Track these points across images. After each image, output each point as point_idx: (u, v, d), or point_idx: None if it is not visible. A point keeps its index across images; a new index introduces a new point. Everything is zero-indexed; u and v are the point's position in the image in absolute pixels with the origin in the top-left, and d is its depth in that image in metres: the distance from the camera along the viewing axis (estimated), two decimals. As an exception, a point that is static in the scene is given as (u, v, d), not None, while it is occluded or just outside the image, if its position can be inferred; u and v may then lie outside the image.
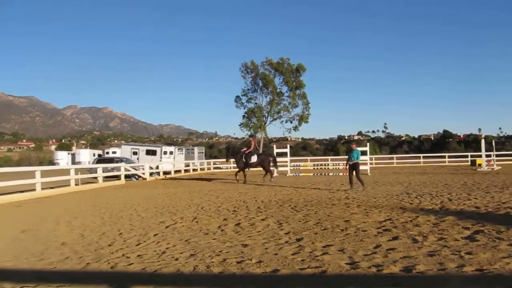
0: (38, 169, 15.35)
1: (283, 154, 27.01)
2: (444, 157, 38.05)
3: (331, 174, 23.88)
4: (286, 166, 25.40)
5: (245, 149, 19.40)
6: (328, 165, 32.54)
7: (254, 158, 18.84)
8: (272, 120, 71.40)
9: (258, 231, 6.51)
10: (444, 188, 12.83)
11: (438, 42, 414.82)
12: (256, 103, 71.67)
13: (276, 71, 68.93)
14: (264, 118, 71.09)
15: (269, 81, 68.55)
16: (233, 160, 20.36)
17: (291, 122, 70.59)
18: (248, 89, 71.90)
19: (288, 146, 26.37)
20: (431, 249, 4.88)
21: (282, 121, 71.18)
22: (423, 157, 38.77)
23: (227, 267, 4.50)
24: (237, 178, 19.05)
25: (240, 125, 72.33)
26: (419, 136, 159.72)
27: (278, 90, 69.74)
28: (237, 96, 73.05)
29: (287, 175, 24.04)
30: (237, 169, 19.92)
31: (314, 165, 32.54)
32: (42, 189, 14.73)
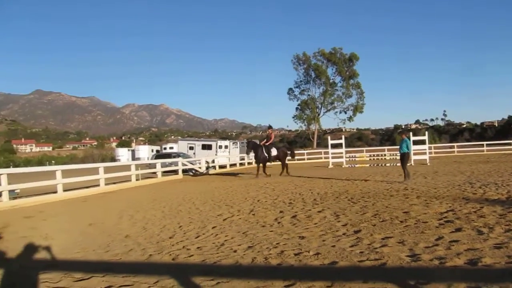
0: (101, 165, 16.17)
1: (338, 145, 26.66)
2: (510, 144, 35.54)
3: (388, 164, 23.19)
4: (342, 157, 24.99)
5: (265, 141, 18.67)
6: (385, 155, 31.66)
7: (274, 151, 18.32)
8: (326, 111, 70.64)
9: (315, 223, 6.46)
10: (510, 177, 12.01)
11: (499, 27, 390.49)
12: (309, 95, 71.22)
13: (329, 62, 67.94)
14: (317, 110, 70.41)
15: (322, 71, 67.73)
16: (254, 154, 18.99)
17: (345, 113, 69.53)
18: (301, 81, 71.61)
19: (343, 137, 25.92)
20: (498, 241, 4.60)
21: (336, 112, 70.33)
22: (487, 144, 36.32)
23: (285, 259, 4.52)
24: (259, 173, 18.19)
25: (293, 117, 72.24)
26: (482, 123, 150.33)
27: (331, 80, 68.81)
28: (290, 89, 72.90)
29: (343, 166, 23.63)
30: (257, 164, 18.92)
31: (370, 156, 31.75)
32: (105, 184, 15.50)
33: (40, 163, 65.46)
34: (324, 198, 9.42)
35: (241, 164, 31.72)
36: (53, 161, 66.22)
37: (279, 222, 6.80)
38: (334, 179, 14.61)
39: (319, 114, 70.27)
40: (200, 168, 25.28)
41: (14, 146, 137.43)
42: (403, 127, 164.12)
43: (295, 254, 4.68)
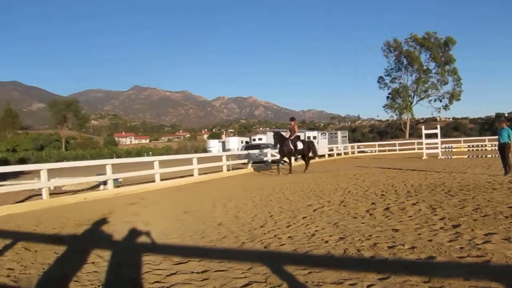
0: (194, 156, 16.97)
1: (433, 135, 25.13)
2: None
3: (489, 156, 21.36)
4: (437, 148, 23.55)
5: (289, 134, 17.53)
6: (485, 146, 29.26)
7: (300, 145, 17.45)
8: (419, 100, 67.00)
9: (409, 216, 6.18)
10: None
11: None
12: (400, 83, 68.12)
13: (422, 47, 64.19)
14: (410, 98, 67.07)
15: (414, 58, 64.16)
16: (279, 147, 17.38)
17: (441, 101, 65.36)
18: (392, 69, 68.69)
19: (438, 126, 24.32)
20: None
21: (430, 100, 66.42)
22: None
23: (378, 252, 4.40)
24: (281, 167, 17.59)
25: (384, 106, 69.69)
26: None
27: (424, 67, 64.94)
28: (380, 77, 70.31)
29: (438, 157, 22.25)
30: (281, 158, 17.99)
31: (468, 146, 29.54)
32: (199, 174, 16.24)
33: (139, 154, 70.35)
34: (419, 191, 8.97)
35: (329, 155, 31.32)
36: (150, 152, 70.85)
37: (371, 214, 6.61)
38: (429, 171, 13.83)
39: (411, 103, 66.93)
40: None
41: (116, 138, 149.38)
42: (506, 115, 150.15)
43: (389, 247, 4.52)
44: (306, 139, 33.34)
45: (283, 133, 17.75)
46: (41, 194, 10.78)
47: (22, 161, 53.18)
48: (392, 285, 3.40)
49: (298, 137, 18.15)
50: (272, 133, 18.44)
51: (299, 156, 18.24)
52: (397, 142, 40.37)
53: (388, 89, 68.85)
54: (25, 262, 4.87)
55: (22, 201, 11.48)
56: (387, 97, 68.87)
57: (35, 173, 15.32)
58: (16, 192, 13.16)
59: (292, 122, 17.79)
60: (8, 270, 4.55)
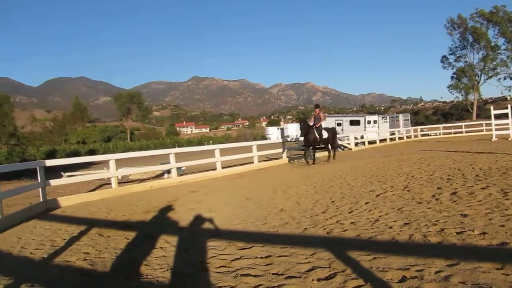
0: (253, 143, 17.12)
1: (503, 116, 23.49)
2: None
3: None
4: (508, 129, 22.01)
5: (313, 121, 16.02)
6: None
7: (325, 133, 16.18)
8: (487, 79, 63.07)
9: (479, 201, 5.81)
10: None
11: None
12: (466, 61, 64.49)
13: (489, 22, 60.14)
14: (476, 77, 63.38)
15: (481, 34, 60.33)
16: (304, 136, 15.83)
17: (511, 79, 61.11)
18: (456, 47, 65.16)
19: (509, 106, 22.56)
20: None
21: (500, 79, 62.40)
22: None
23: (446, 238, 4.21)
24: (308, 159, 16.04)
25: (448, 87, 66.39)
26: None
27: (492, 43, 60.91)
28: (444, 56, 66.92)
29: (509, 139, 20.83)
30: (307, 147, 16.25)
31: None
32: (258, 161, 16.39)
33: (200, 143, 72.38)
34: (488, 174, 8.43)
35: (391, 139, 30.41)
36: (211, 141, 72.58)
37: (437, 199, 6.33)
38: (499, 153, 12.98)
39: (478, 82, 63.16)
40: (349, 144, 25.01)
41: (177, 128, 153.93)
42: None
43: (457, 233, 4.32)
44: (331, 127, 32.65)
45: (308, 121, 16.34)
46: (110, 183, 11.41)
47: (92, 152, 56.51)
48: (461, 272, 3.27)
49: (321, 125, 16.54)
50: (299, 123, 17.07)
51: (323, 145, 16.86)
52: (463, 123, 38.29)
53: (452, 69, 65.55)
54: (99, 246, 5.19)
55: (94, 190, 12.21)
56: (452, 77, 65.63)
57: (104, 164, 16.19)
58: (88, 182, 14.03)
59: (316, 109, 16.40)
60: (85, 254, 4.88)
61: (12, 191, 8.80)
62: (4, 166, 9.54)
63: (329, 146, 17.11)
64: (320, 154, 18.07)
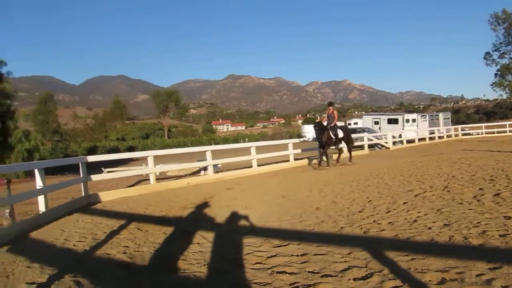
0: (289, 141, 17.10)
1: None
2: None
3: None
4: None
5: (327, 121, 15.06)
6: None
7: (340, 133, 15.14)
8: (533, 75, 60.27)
9: None
10: None
11: None
12: (511, 58, 61.73)
13: (535, 17, 57.41)
14: (522, 74, 60.62)
15: (527, 29, 57.72)
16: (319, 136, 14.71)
17: (556, 75, 58.21)
18: (501, 43, 62.52)
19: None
20: None
21: (546, 75, 59.38)
22: None
23: (488, 240, 4.08)
24: (321, 162, 15.13)
25: (492, 84, 63.82)
26: None
27: (539, 38, 58.18)
28: (487, 53, 64.35)
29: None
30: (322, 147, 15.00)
31: None
32: (294, 159, 16.34)
33: (235, 140, 72.70)
34: (534, 175, 8.09)
35: (430, 138, 29.61)
36: (246, 139, 72.90)
37: (478, 200, 6.11)
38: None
39: (524, 79, 60.46)
40: (386, 143, 24.55)
41: (214, 126, 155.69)
42: None
43: (500, 236, 4.17)
44: (343, 125, 31.52)
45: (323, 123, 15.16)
46: (148, 179, 11.66)
47: (131, 149, 58.00)
48: (504, 276, 3.17)
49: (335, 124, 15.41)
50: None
51: (339, 146, 15.68)
52: (507, 123, 36.73)
53: (496, 66, 62.90)
54: (138, 240, 5.33)
55: (132, 185, 12.55)
56: (495, 74, 63.03)
57: (142, 160, 16.60)
58: (127, 177, 14.39)
59: (330, 108, 15.45)
60: (124, 247, 5.03)
61: (56, 185, 9.16)
62: (49, 161, 9.97)
63: (343, 146, 16.19)
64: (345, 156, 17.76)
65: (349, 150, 16.06)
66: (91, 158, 10.45)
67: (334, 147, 15.38)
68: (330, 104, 15.84)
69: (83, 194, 9.39)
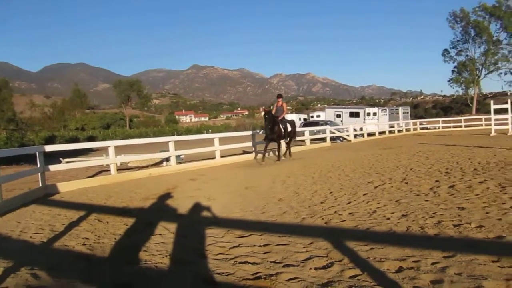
0: (252, 133, 17.12)
1: (502, 111, 23.59)
2: None
3: None
4: (507, 124, 22.06)
5: (275, 112, 14.30)
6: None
7: (289, 127, 14.51)
8: (488, 73, 63.16)
9: (476, 194, 5.85)
10: None
11: None
12: (467, 56, 64.46)
13: (492, 17, 59.96)
14: (477, 72, 63.34)
15: (483, 28, 60.27)
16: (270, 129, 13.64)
17: (512, 74, 61.07)
18: (458, 41, 65.05)
19: (509, 101, 22.48)
20: None
21: (500, 74, 62.52)
22: None
23: (443, 230, 4.27)
24: (263, 157, 14.06)
25: (449, 81, 66.37)
26: None
27: (494, 38, 60.84)
28: (445, 50, 66.74)
29: (508, 134, 20.89)
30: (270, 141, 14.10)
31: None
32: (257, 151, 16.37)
33: (198, 131, 72.21)
34: (486, 168, 8.46)
35: (390, 132, 30.46)
36: (209, 130, 72.51)
37: (435, 192, 6.37)
38: (498, 148, 13.01)
39: (479, 77, 63.15)
40: (348, 136, 25.04)
41: (176, 117, 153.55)
42: None
43: (454, 226, 4.37)
44: (290, 119, 31.37)
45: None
46: (109, 170, 11.43)
47: (91, 138, 56.52)
48: (458, 264, 3.32)
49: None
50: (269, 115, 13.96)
51: (287, 140, 14.85)
52: (462, 118, 38.29)
53: (453, 62, 65.41)
54: (98, 232, 5.22)
55: (92, 176, 12.24)
56: (453, 71, 65.55)
57: (103, 150, 16.22)
58: (87, 168, 14.04)
59: (279, 100, 14.65)
60: (84, 239, 4.91)
61: (11, 175, 8.83)
62: (3, 150, 9.58)
63: (291, 140, 15.31)
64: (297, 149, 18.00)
65: (289, 146, 15.23)
66: (49, 148, 10.11)
67: (282, 140, 14.56)
68: (279, 96, 15.01)
69: (40, 185, 9.09)
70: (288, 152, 15.14)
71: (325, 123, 28.06)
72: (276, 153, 14.74)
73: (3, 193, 7.61)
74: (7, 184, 9.05)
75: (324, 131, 23.17)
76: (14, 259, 4.18)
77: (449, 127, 35.24)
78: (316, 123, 29.93)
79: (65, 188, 9.43)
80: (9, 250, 4.60)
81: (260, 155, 14.78)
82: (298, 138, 21.41)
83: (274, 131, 13.62)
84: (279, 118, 14.04)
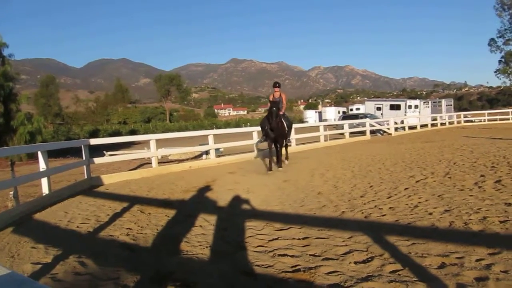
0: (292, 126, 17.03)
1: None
2: None
3: None
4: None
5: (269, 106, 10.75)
6: None
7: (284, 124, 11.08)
8: (538, 63, 59.91)
9: None
10: None
11: None
12: (515, 45, 61.19)
13: (541, 3, 56.81)
14: (526, 61, 60.24)
15: (532, 16, 57.15)
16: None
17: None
18: (506, 29, 61.90)
19: None
20: None
21: (549, 63, 59.02)
22: None
23: (488, 226, 4.15)
24: (269, 163, 10.61)
25: (495, 71, 63.51)
26: None
27: (544, 26, 57.65)
28: (492, 39, 63.80)
29: None
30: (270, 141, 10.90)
31: None
32: (296, 144, 16.32)
33: (237, 125, 72.64)
34: (536, 162, 8.12)
35: (433, 125, 29.57)
36: (248, 123, 72.74)
37: (479, 187, 6.17)
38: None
39: (527, 67, 60.16)
40: (388, 129, 24.51)
41: (215, 110, 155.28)
42: None
43: (501, 222, 4.24)
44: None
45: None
46: (150, 163, 11.71)
47: (133, 132, 58.01)
48: (504, 261, 3.22)
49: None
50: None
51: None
52: (510, 110, 36.64)
53: (501, 52, 62.42)
54: (141, 223, 5.38)
55: (135, 168, 12.59)
56: (500, 61, 62.61)
57: (144, 144, 16.63)
58: (129, 161, 14.44)
59: (276, 90, 11.14)
60: (127, 229, 5.08)
61: (58, 168, 9.22)
62: (52, 143, 10.01)
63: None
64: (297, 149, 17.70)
65: (286, 147, 12.33)
66: (94, 141, 10.48)
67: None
68: (276, 85, 11.29)
69: (85, 177, 9.45)
70: (286, 155, 12.23)
71: (364, 116, 27.59)
72: (275, 158, 11.23)
73: (52, 185, 7.95)
74: (55, 175, 9.44)
75: (363, 124, 22.79)
76: (63, 247, 4.38)
77: (495, 119, 33.84)
78: (355, 116, 29.50)
79: (109, 180, 9.76)
80: (58, 239, 4.82)
81: (266, 160, 11.55)
82: (337, 131, 21.16)
83: (279, 128, 10.63)
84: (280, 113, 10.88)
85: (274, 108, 10.35)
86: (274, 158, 11.06)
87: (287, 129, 11.22)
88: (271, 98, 11.01)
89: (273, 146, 10.91)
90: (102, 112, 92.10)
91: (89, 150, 9.74)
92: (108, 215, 5.95)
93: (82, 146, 9.57)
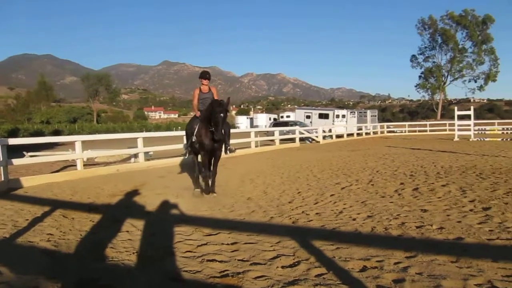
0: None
1: (465, 117, 24.60)
2: None
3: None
4: (469, 130, 22.92)
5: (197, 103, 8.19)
6: (522, 129, 28.08)
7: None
8: (453, 80, 65.76)
9: (439, 197, 6.15)
10: None
11: None
12: (434, 62, 66.79)
13: (458, 25, 62.50)
14: (443, 78, 65.69)
15: (450, 36, 62.63)
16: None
17: (475, 81, 63.92)
18: (426, 47, 67.26)
19: (472, 108, 23.41)
20: None
21: (465, 81, 65.11)
22: None
23: (406, 231, 4.46)
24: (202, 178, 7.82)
25: (416, 86, 68.45)
26: None
27: (460, 46, 63.43)
28: (413, 55, 68.82)
29: (470, 139, 21.71)
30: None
31: (503, 129, 28.39)
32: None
33: (168, 128, 71.29)
34: (449, 172, 8.83)
35: (358, 134, 31.05)
36: (179, 127, 71.66)
37: (399, 194, 6.62)
38: (460, 153, 13.55)
39: (444, 83, 65.53)
40: (317, 137, 25.34)
41: (146, 113, 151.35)
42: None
43: (417, 227, 4.58)
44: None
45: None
46: (75, 165, 11.16)
47: (56, 133, 54.90)
48: (419, 264, 3.46)
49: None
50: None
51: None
52: (428, 122, 39.49)
53: (421, 68, 67.49)
54: (63, 228, 5.11)
55: (58, 171, 11.93)
56: (420, 77, 67.60)
57: (69, 145, 15.82)
58: (52, 162, 13.65)
59: (203, 81, 8.15)
60: (48, 235, 4.80)
61: (-28, 168, 8.51)
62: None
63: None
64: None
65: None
66: (12, 141, 9.79)
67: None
68: (207, 76, 8.24)
69: (2, 179, 8.79)
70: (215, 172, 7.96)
71: (294, 123, 28.28)
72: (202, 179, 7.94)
73: (-37, 187, 7.33)
74: (-33, 177, 8.71)
75: (293, 132, 23.36)
76: (-26, 254, 4.05)
77: (415, 131, 36.17)
78: (286, 124, 30.18)
79: (29, 183, 9.15)
80: (-31, 246, 4.45)
81: (200, 179, 8.12)
82: (268, 138, 21.50)
83: (218, 135, 7.00)
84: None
85: (222, 114, 6.92)
86: (208, 180, 7.58)
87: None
88: (197, 92, 8.19)
89: (207, 162, 7.58)
90: (23, 110, 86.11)
91: (8, 151, 9.09)
92: (27, 220, 5.58)
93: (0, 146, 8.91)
